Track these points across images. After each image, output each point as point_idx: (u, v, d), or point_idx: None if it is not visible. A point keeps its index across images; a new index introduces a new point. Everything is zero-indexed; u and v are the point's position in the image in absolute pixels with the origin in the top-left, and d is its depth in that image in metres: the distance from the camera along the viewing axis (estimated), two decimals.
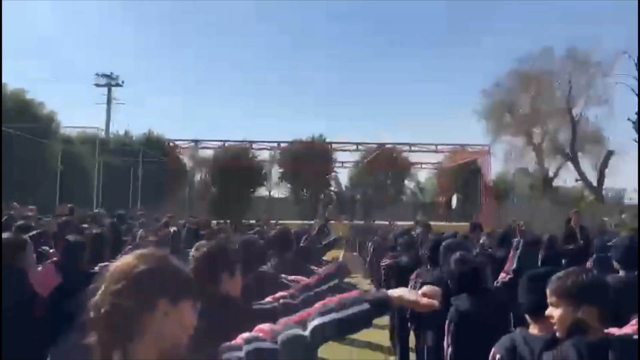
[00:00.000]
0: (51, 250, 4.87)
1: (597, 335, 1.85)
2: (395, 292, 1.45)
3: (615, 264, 4.44)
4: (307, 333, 1.28)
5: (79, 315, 1.25)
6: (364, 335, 7.20)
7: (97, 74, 33.17)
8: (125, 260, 1.23)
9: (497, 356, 2.31)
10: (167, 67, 72.15)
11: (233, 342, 1.25)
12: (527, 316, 2.36)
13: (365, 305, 1.41)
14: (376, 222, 18.38)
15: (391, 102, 64.92)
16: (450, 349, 3.29)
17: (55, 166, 18.30)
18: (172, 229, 7.47)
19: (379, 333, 7.28)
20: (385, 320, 7.39)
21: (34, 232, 4.98)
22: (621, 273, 4.31)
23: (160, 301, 1.18)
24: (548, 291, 2.01)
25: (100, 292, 1.17)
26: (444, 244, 4.21)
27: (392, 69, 67.72)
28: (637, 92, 26.13)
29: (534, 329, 2.31)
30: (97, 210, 12.65)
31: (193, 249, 2.32)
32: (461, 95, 65.74)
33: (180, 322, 1.22)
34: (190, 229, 9.05)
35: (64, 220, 7.45)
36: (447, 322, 3.36)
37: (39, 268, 3.68)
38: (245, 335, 1.24)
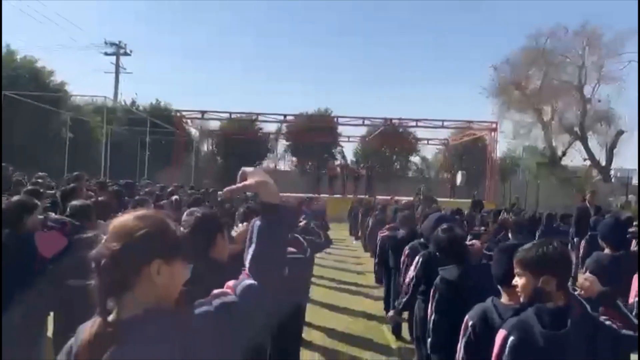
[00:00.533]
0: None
1: (557, 302, 2.00)
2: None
3: (601, 242, 4.59)
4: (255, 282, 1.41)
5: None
6: (359, 305, 7.46)
7: (105, 42, 33.09)
8: (124, 218, 1.37)
9: (470, 323, 2.47)
10: (175, 37, 71.51)
11: (206, 299, 1.40)
12: (499, 286, 2.51)
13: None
14: (378, 197, 18.51)
15: (399, 77, 64.22)
16: (433, 317, 3.46)
17: (64, 134, 18.52)
18: (174, 197, 7.65)
19: (372, 303, 7.52)
20: (380, 292, 7.63)
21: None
22: (606, 251, 4.47)
23: (155, 259, 1.32)
24: (514, 262, 2.16)
25: (100, 245, 1.32)
26: (430, 217, 4.35)
27: (401, 44, 66.71)
28: None
29: (505, 298, 2.47)
30: (102, 179, 12.83)
31: (184, 214, 2.48)
32: (470, 72, 64.76)
33: (171, 280, 1.36)
34: (197, 199, 9.25)
35: (70, 187, 7.65)
36: (432, 290, 3.53)
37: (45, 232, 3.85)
38: (216, 291, 1.40)
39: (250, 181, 1.50)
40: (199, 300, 1.38)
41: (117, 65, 33.02)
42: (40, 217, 3.82)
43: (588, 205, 9.50)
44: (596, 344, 1.97)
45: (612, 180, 29.75)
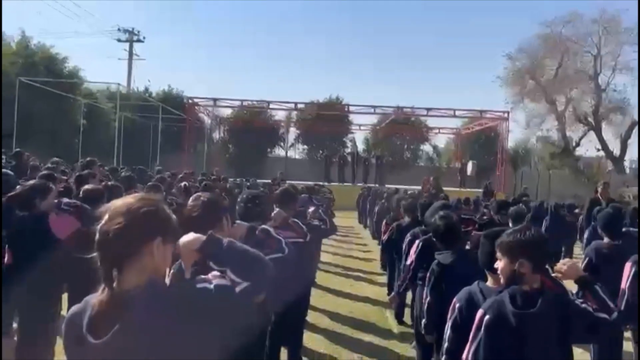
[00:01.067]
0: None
1: (532, 284, 2.13)
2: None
3: (600, 232, 4.71)
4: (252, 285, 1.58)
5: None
6: (363, 291, 7.62)
7: (119, 29, 33.35)
8: (126, 199, 1.53)
9: (457, 305, 2.61)
10: (189, 24, 71.62)
11: (206, 277, 1.56)
12: (485, 270, 2.65)
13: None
14: (386, 186, 18.61)
15: (411, 65, 63.88)
16: (428, 299, 3.61)
17: (78, 120, 18.84)
18: (183, 183, 7.84)
19: (377, 289, 7.69)
20: (384, 278, 7.79)
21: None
22: (605, 240, 4.58)
23: (157, 236, 1.49)
24: (496, 247, 2.29)
25: (105, 221, 1.48)
26: (433, 205, 4.48)
27: (414, 32, 66.18)
28: None
29: (490, 282, 2.60)
30: (113, 166, 13.09)
31: (191, 199, 2.64)
32: (483, 60, 64.19)
33: (164, 259, 1.53)
34: (206, 185, 9.47)
35: (85, 173, 7.90)
36: (427, 274, 3.67)
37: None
38: (215, 272, 1.56)
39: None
40: (201, 276, 1.54)
41: (131, 52, 33.31)
42: (54, 200, 4.02)
43: (600, 197, 9.31)
44: (569, 325, 2.10)
45: (627, 171, 29.46)
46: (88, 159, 11.62)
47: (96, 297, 1.48)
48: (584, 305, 2.18)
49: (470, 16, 63.02)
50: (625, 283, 3.91)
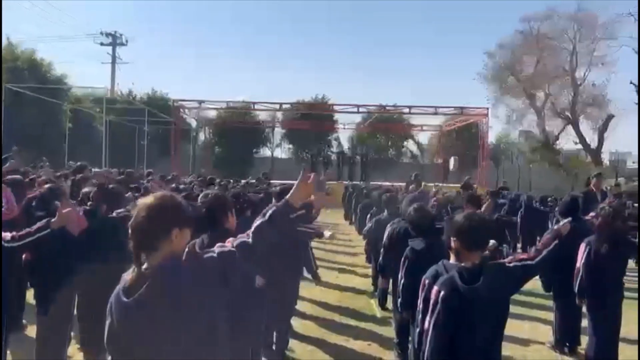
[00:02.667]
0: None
1: (473, 261, 2.62)
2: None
3: (558, 216, 5.29)
4: (249, 239, 2.04)
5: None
6: (349, 282, 8.10)
7: (101, 33, 33.40)
8: (148, 198, 1.98)
9: (426, 281, 3.08)
10: (171, 26, 71.50)
11: (210, 249, 2.03)
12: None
13: (274, 207, 2.15)
14: (371, 183, 19.14)
15: (392, 65, 64.71)
16: (403, 280, 4.10)
17: (63, 124, 19.05)
18: (173, 185, 8.27)
19: (362, 280, 8.18)
20: (368, 270, 8.29)
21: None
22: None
23: (175, 227, 1.94)
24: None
25: (134, 217, 1.93)
26: (406, 198, 4.99)
27: (396, 30, 67.02)
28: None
29: (452, 259, 3.09)
30: (106, 169, 13.41)
31: (200, 196, 3.10)
32: (463, 58, 65.29)
33: (182, 242, 1.99)
34: (202, 183, 10.11)
35: (81, 177, 8.28)
36: (402, 259, 4.16)
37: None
38: (218, 244, 2.03)
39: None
40: (206, 249, 2.01)
41: (114, 56, 33.39)
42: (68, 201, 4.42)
43: (594, 189, 8.99)
44: (508, 287, 2.62)
45: (603, 163, 30.38)
46: (79, 163, 11.97)
47: (129, 273, 1.94)
48: (513, 263, 2.72)
49: (451, 15, 64.03)
50: (580, 261, 4.48)
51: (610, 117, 29.68)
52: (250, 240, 2.05)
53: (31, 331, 4.71)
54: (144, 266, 1.91)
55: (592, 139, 30.96)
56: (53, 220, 3.36)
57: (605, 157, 33.38)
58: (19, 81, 16.85)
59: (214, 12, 68.92)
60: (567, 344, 5.18)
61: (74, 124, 19.80)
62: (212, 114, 30.46)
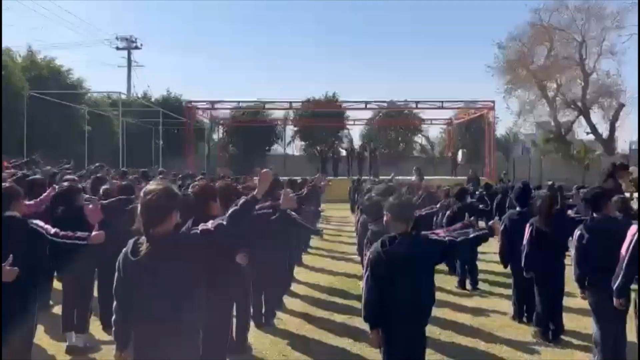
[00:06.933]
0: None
1: (398, 230, 3.36)
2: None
3: (514, 202, 6.02)
4: (224, 221, 2.82)
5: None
6: (342, 267, 8.87)
7: (117, 37, 34.70)
8: (153, 185, 2.76)
9: (370, 256, 3.82)
10: (185, 29, 72.90)
11: (195, 227, 2.81)
12: None
13: (243, 198, 2.94)
14: (380, 177, 19.83)
15: (404, 60, 65.15)
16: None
17: (82, 128, 20.17)
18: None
19: (355, 266, 8.94)
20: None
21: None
22: (517, 209, 5.86)
23: (175, 209, 2.70)
24: None
25: (142, 198, 2.69)
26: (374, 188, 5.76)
27: (404, 25, 67.53)
28: None
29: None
30: (123, 169, 14.38)
31: (191, 186, 3.91)
32: (475, 49, 65.38)
33: (175, 221, 2.77)
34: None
35: (97, 176, 9.23)
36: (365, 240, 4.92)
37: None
38: (202, 224, 2.80)
39: None
40: (192, 227, 2.81)
41: (129, 60, 34.62)
42: (87, 196, 5.31)
43: (619, 180, 8.18)
44: (426, 252, 3.33)
45: (614, 153, 30.51)
46: (97, 164, 12.98)
47: (135, 240, 2.70)
48: (434, 236, 3.46)
49: (459, 6, 64.09)
50: (525, 239, 5.20)
51: (621, 106, 29.79)
52: (224, 222, 2.82)
53: (57, 310, 5.61)
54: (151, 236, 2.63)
55: (603, 129, 31.14)
56: (92, 235, 4.12)
57: (619, 146, 33.54)
58: (40, 87, 17.99)
59: (226, 14, 70.05)
60: (526, 314, 5.88)
61: (93, 127, 20.91)
62: (225, 114, 31.44)
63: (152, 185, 2.72)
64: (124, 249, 2.69)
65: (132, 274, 2.61)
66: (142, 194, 2.68)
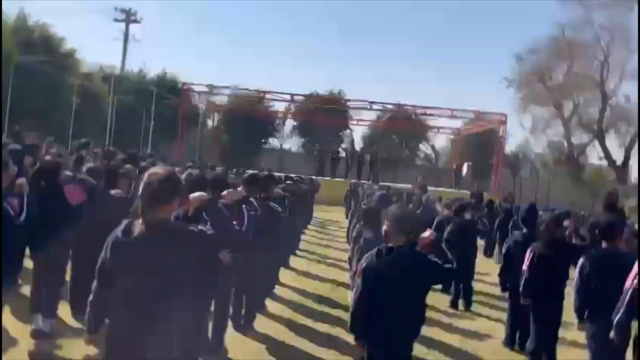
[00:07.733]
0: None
1: (397, 242, 3.37)
2: None
3: (520, 224, 6.07)
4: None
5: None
6: (331, 274, 8.89)
7: (115, 9, 34.59)
8: (155, 169, 2.76)
9: (363, 265, 3.83)
10: (187, 7, 72.72)
11: (192, 224, 2.82)
12: None
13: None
14: (380, 184, 19.85)
15: (413, 64, 65.42)
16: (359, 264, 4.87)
17: (71, 100, 20.09)
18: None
19: (344, 273, 8.96)
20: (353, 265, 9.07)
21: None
22: (524, 230, 5.92)
23: (175, 197, 2.69)
24: None
25: (145, 182, 2.68)
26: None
27: (420, 28, 67.76)
28: None
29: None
30: (109, 148, 14.31)
31: (183, 176, 3.92)
32: (489, 60, 65.71)
33: (173, 209, 2.77)
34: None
35: (80, 155, 9.19)
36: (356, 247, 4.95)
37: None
38: (200, 225, 2.82)
39: None
40: (191, 224, 2.82)
41: (126, 34, 34.54)
42: (70, 174, 5.29)
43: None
44: (422, 271, 3.33)
45: (627, 181, 30.66)
46: (83, 140, 12.94)
47: (128, 221, 2.68)
48: (435, 259, 3.45)
49: (478, 15, 64.36)
50: (525, 264, 5.22)
51: (638, 133, 29.92)
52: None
53: (25, 290, 5.59)
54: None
55: (618, 156, 31.29)
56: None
57: (632, 175, 33.68)
58: (29, 54, 17.91)
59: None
60: (518, 341, 5.91)
61: (82, 101, 20.83)
62: (222, 100, 31.34)
63: (157, 169, 2.74)
64: (116, 228, 2.67)
65: (119, 254, 2.60)
66: (146, 175, 2.68)
